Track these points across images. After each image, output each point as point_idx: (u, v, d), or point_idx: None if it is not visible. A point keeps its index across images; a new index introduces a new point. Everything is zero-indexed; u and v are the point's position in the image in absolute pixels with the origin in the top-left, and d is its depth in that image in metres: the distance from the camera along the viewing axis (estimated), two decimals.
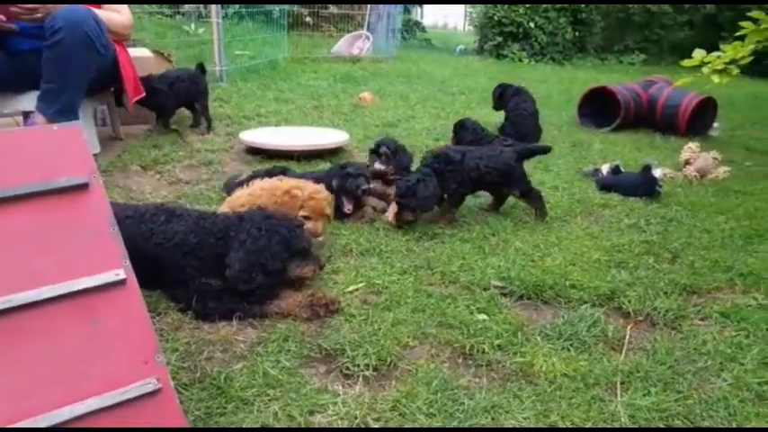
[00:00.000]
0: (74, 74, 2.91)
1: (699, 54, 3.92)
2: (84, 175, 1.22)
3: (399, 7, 11.12)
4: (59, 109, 2.87)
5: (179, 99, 4.20)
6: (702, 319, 2.03)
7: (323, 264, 2.14)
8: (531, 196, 2.96)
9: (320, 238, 2.50)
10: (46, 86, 2.88)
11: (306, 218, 2.36)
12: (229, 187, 2.92)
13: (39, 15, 2.86)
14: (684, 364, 1.74)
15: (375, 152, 3.17)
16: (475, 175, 2.82)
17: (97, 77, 3.09)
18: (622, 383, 1.63)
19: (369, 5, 10.78)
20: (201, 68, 4.39)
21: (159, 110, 4.15)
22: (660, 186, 3.32)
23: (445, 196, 2.85)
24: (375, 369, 1.65)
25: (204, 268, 1.94)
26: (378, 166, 3.14)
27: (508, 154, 2.91)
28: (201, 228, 1.98)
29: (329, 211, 2.47)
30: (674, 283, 2.25)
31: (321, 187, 2.51)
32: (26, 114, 3.24)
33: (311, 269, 2.08)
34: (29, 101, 3.09)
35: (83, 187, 1.22)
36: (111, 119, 3.99)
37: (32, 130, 1.29)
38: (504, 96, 4.92)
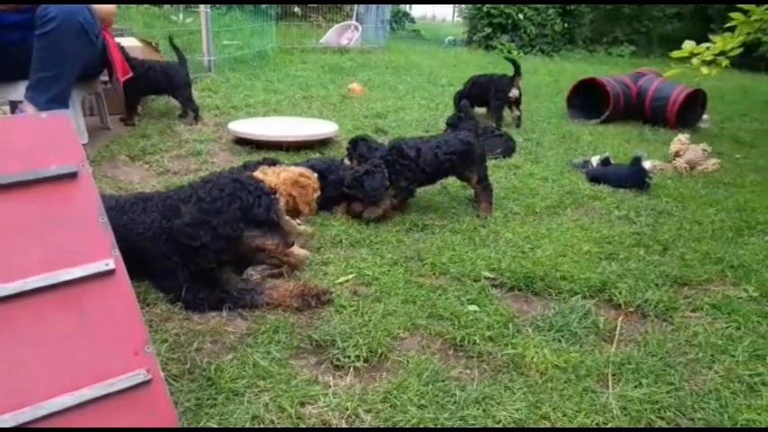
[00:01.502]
0: (67, 63, 2.88)
1: (688, 45, 3.94)
2: (73, 163, 1.20)
3: None
4: (51, 98, 2.83)
5: (144, 89, 4.11)
6: (693, 311, 2.03)
7: (291, 242, 1.99)
8: (483, 185, 2.85)
9: (309, 231, 2.49)
10: (38, 76, 2.83)
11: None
12: None
13: None
14: (676, 355, 1.74)
15: (348, 150, 3.26)
16: (432, 169, 2.73)
17: (87, 65, 3.06)
18: (614, 375, 1.63)
19: None
20: (181, 59, 4.30)
21: (124, 97, 4.03)
22: (650, 178, 3.33)
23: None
24: (366, 360, 1.64)
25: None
26: (347, 162, 3.22)
27: (465, 134, 2.84)
28: (169, 207, 1.89)
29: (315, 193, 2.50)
30: (664, 275, 2.25)
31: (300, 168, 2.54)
32: (13, 105, 3.20)
33: (273, 243, 1.90)
34: (15, 91, 3.05)
35: (72, 176, 1.19)
36: (99, 108, 3.94)
37: (21, 117, 1.27)
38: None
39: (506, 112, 4.96)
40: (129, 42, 4.48)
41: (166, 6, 9.28)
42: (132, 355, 1.11)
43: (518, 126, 4.91)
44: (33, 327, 1.08)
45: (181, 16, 8.14)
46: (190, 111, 4.29)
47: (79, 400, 1.04)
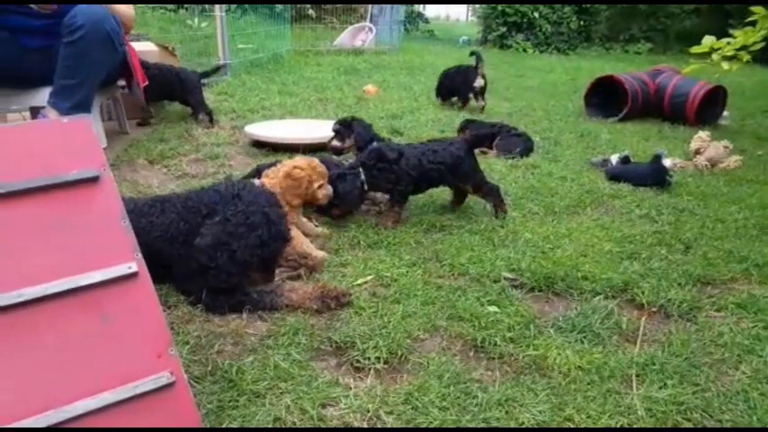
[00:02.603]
0: (92, 70, 2.94)
1: (708, 40, 3.87)
2: (95, 168, 1.21)
3: None
4: (74, 104, 2.88)
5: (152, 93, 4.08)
6: (718, 311, 2.00)
7: (272, 279, 2.06)
8: (486, 191, 2.76)
9: (327, 232, 2.49)
10: (62, 82, 2.88)
11: (320, 186, 2.43)
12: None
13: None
14: (701, 356, 1.71)
15: (338, 131, 3.31)
16: (417, 172, 2.62)
17: (109, 72, 3.11)
18: (638, 376, 1.61)
19: None
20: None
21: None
22: (670, 176, 3.29)
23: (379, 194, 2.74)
24: (386, 362, 1.63)
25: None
26: (334, 143, 3.30)
27: (456, 145, 2.75)
28: (189, 209, 1.91)
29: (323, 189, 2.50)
30: (687, 274, 2.22)
31: (305, 157, 2.54)
32: (34, 110, 3.24)
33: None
34: (37, 97, 3.10)
35: (93, 180, 1.20)
36: (118, 113, 3.99)
37: (43, 123, 1.28)
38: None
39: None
40: (145, 47, 4.53)
41: (182, 11, 9.37)
42: (156, 357, 1.11)
43: (481, 111, 5.39)
44: (56, 331, 1.08)
45: (196, 20, 8.20)
46: (203, 114, 4.32)
47: (103, 402, 1.05)
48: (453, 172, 2.70)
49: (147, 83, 3.64)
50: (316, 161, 2.49)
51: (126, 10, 3.21)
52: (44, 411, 1.01)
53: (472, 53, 5.51)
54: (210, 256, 1.81)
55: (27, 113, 3.43)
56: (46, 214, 1.16)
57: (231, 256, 1.82)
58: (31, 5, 2.81)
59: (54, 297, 1.09)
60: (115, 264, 1.14)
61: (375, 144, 2.80)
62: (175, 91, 4.27)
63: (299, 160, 2.46)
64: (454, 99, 5.62)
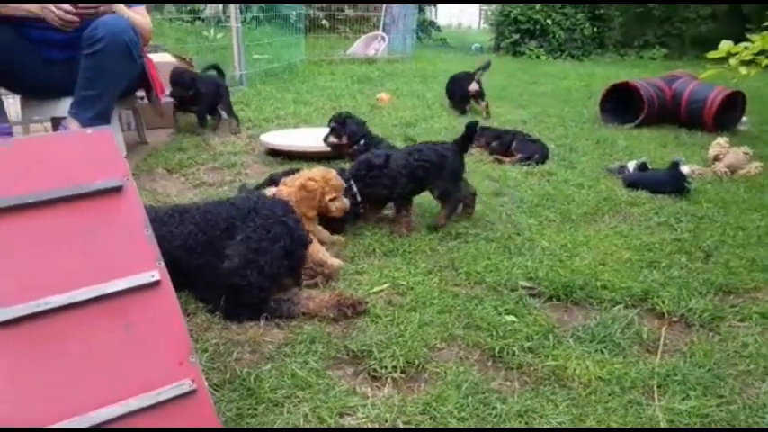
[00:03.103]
0: (112, 81, 3.00)
1: (726, 45, 3.83)
2: (119, 177, 1.23)
3: (414, 8, 11.10)
4: (95, 115, 2.94)
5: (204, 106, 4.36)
6: (741, 321, 1.96)
7: (301, 283, 2.10)
8: (446, 201, 2.70)
9: (342, 240, 2.49)
10: (83, 93, 2.94)
11: (333, 199, 2.44)
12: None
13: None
14: (724, 367, 1.68)
15: (334, 128, 3.43)
16: (407, 171, 2.61)
17: (128, 83, 3.16)
18: (659, 387, 1.59)
19: (384, 6, 10.78)
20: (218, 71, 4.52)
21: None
22: (689, 183, 3.25)
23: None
24: (403, 371, 1.63)
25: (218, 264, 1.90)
26: (331, 139, 3.41)
27: (447, 145, 2.74)
28: (207, 222, 1.95)
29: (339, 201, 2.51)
30: (709, 283, 2.19)
31: (323, 168, 2.54)
32: (55, 121, 3.30)
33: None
34: (59, 107, 3.15)
35: (117, 190, 1.22)
36: (137, 123, 4.05)
37: (68, 134, 1.30)
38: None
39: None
40: (163, 58, 4.59)
41: (198, 22, 9.48)
42: (177, 365, 1.12)
43: (487, 114, 5.50)
44: (82, 338, 1.10)
45: (212, 32, 8.29)
46: (234, 120, 4.50)
47: (127, 410, 1.06)
48: (438, 171, 2.66)
49: (166, 92, 3.71)
50: (332, 173, 2.49)
51: (144, 22, 3.26)
52: (70, 417, 1.03)
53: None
54: (241, 275, 1.84)
55: (48, 124, 3.49)
56: (72, 224, 1.18)
57: (261, 271, 1.86)
58: (55, 24, 2.86)
59: (81, 304, 1.11)
60: (139, 272, 1.15)
61: (361, 156, 2.79)
62: (216, 100, 4.44)
63: (316, 171, 2.47)
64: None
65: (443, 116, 5.40)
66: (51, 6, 2.83)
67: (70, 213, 1.18)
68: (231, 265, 1.85)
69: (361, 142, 3.41)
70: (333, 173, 2.50)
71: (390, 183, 2.61)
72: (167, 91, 3.75)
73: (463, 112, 5.53)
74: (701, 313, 1.97)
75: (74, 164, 1.23)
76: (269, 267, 1.88)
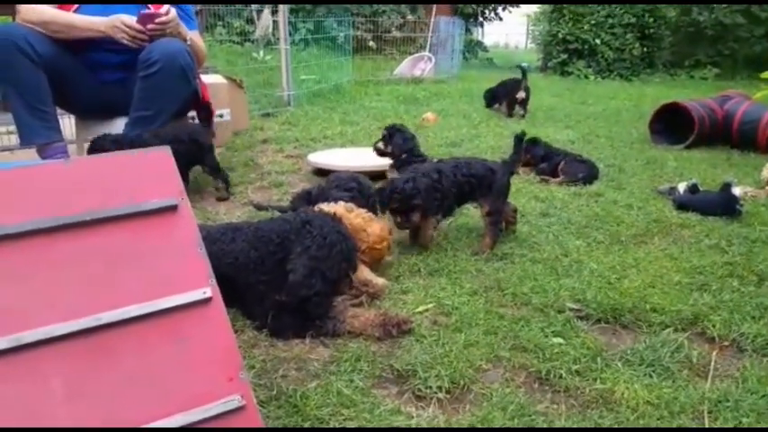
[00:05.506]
0: (167, 103, 3.11)
1: None
2: (174, 196, 1.28)
3: (460, 28, 11.16)
4: None
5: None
6: None
7: (352, 286, 2.15)
8: (493, 221, 2.64)
9: (389, 260, 2.50)
10: (138, 114, 3.06)
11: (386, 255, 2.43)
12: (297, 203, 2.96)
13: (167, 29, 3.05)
14: None
15: (384, 136, 3.53)
16: (454, 187, 2.62)
17: (182, 104, 3.28)
18: (710, 413, 1.54)
19: (430, 27, 10.89)
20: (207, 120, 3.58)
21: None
22: (741, 205, 3.14)
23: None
24: (448, 392, 1.62)
25: (273, 281, 1.94)
26: (379, 145, 3.51)
27: (496, 162, 2.73)
28: (260, 239, 2.00)
29: (389, 255, 2.47)
30: (762, 307, 2.10)
31: (383, 229, 2.38)
32: None
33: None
34: (114, 127, 3.29)
35: (172, 209, 1.27)
36: None
37: (126, 154, 1.36)
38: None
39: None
40: (214, 79, 4.75)
41: (248, 44, 9.80)
42: (227, 380, 1.15)
43: (523, 116, 6.42)
44: (135, 353, 1.13)
45: (261, 53, 8.55)
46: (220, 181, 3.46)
47: (176, 424, 1.08)
48: (483, 186, 2.66)
49: (216, 113, 3.83)
50: (387, 229, 2.41)
51: (200, 44, 3.39)
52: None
53: (519, 66, 6.56)
54: (308, 285, 1.88)
55: None
56: (127, 241, 1.23)
57: (323, 277, 1.91)
58: (124, 42, 2.98)
59: (135, 320, 1.15)
60: (192, 289, 1.19)
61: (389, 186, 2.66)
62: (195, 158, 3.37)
63: (377, 228, 2.34)
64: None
65: (489, 136, 5.39)
66: (120, 24, 2.94)
67: (126, 231, 1.23)
68: (296, 277, 1.89)
69: (403, 156, 3.42)
70: (387, 228, 2.42)
71: (440, 197, 2.61)
72: (217, 112, 3.87)
73: (510, 116, 6.46)
74: (754, 338, 1.89)
75: (131, 183, 1.29)
76: (330, 273, 1.94)
